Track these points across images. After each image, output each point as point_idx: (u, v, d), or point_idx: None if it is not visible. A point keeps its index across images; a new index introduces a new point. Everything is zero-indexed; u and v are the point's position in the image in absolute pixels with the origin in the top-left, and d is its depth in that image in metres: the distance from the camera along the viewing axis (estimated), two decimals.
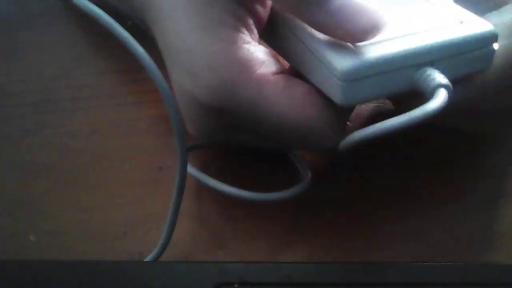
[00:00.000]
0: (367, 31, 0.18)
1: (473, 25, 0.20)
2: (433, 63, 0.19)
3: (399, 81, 0.19)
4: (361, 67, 0.18)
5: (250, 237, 0.26)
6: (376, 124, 0.18)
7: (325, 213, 0.26)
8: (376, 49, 0.19)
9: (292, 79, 0.22)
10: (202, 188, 0.27)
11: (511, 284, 0.23)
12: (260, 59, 0.21)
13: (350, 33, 0.19)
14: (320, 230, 0.26)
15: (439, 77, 0.18)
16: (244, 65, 0.21)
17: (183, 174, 0.22)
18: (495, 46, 0.20)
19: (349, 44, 0.19)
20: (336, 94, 0.19)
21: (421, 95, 0.19)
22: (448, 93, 0.18)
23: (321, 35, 0.20)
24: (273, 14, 0.23)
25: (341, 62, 0.18)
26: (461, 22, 0.20)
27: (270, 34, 0.23)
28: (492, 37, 0.20)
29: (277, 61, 0.22)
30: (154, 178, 0.28)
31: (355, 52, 0.19)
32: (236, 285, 0.23)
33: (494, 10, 0.22)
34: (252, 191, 0.24)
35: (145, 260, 0.24)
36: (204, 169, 0.27)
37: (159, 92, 0.20)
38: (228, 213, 0.27)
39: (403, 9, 0.21)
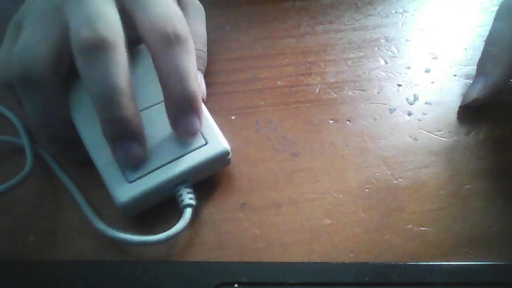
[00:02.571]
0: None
1: (214, 145, 0.26)
2: (185, 181, 0.26)
3: (163, 197, 0.26)
4: (133, 198, 0.25)
5: (249, 237, 0.26)
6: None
7: None
8: (143, 182, 0.25)
9: None
10: (202, 188, 0.27)
11: (511, 284, 0.23)
12: None
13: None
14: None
15: (187, 198, 0.25)
16: None
17: None
18: (229, 157, 0.27)
19: (124, 179, 0.25)
20: (117, 208, 0.25)
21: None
22: (192, 210, 0.26)
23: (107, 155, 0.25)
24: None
25: (119, 196, 0.25)
26: (206, 144, 0.26)
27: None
28: (227, 153, 0.27)
29: None
30: None
31: (130, 186, 0.25)
32: (236, 285, 0.23)
33: None
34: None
35: None
36: None
37: None
38: (228, 214, 0.27)
39: (162, 134, 0.26)
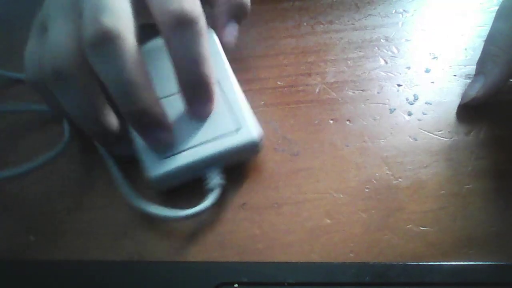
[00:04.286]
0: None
1: (244, 134, 0.26)
2: (215, 164, 0.26)
3: (193, 175, 0.27)
4: (164, 175, 0.26)
5: (249, 237, 0.26)
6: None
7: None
8: (175, 160, 0.26)
9: None
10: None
11: (511, 284, 0.23)
12: None
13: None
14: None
15: (215, 180, 0.26)
16: None
17: None
18: (260, 146, 0.27)
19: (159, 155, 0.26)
20: (148, 180, 0.26)
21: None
22: (220, 188, 0.26)
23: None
24: None
25: (152, 170, 0.26)
26: (237, 130, 0.26)
27: None
28: (258, 144, 0.27)
29: None
30: None
31: (163, 162, 0.26)
32: (236, 285, 0.23)
33: None
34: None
35: None
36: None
37: None
38: (228, 213, 0.27)
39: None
